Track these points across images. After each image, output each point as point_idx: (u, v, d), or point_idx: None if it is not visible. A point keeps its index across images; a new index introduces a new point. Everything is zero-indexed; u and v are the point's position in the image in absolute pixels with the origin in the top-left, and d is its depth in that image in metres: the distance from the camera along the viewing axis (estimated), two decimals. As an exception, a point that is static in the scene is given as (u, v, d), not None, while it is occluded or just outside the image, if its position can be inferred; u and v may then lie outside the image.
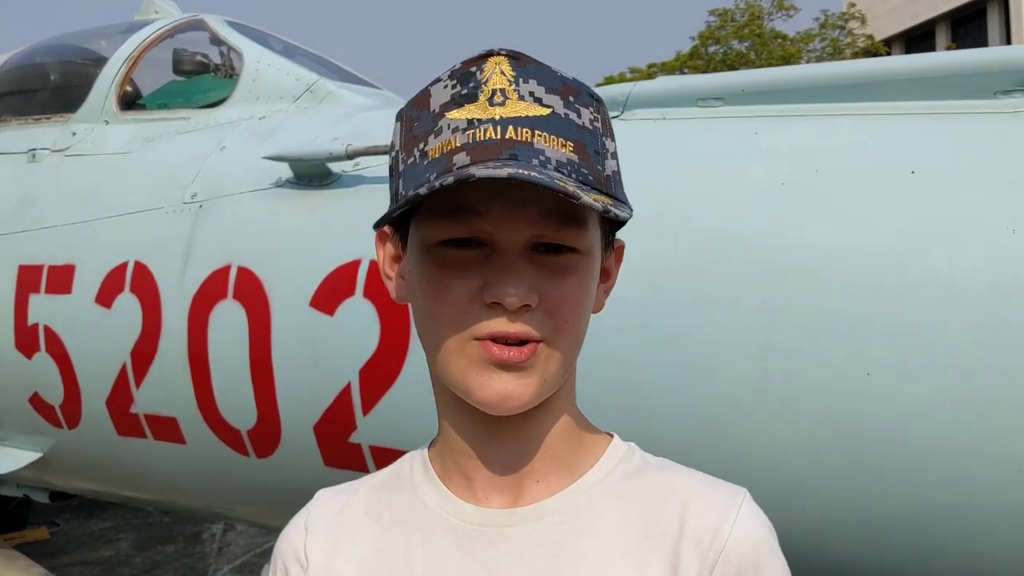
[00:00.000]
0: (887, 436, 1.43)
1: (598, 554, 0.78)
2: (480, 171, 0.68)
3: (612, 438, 0.88)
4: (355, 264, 1.96)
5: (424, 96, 0.77)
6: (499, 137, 0.72)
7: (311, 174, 2.15)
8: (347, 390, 1.95)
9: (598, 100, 0.79)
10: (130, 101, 2.88)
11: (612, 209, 0.73)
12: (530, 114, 0.73)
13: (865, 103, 1.63)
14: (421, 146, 0.75)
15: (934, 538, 1.45)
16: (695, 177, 1.69)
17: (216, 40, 2.87)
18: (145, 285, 2.30)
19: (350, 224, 2.03)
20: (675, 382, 1.57)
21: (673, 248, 1.62)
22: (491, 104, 0.73)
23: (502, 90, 0.74)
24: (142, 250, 2.35)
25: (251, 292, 2.10)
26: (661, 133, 1.79)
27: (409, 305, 0.83)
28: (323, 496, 0.92)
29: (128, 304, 2.32)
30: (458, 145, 0.72)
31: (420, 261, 0.78)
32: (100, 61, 2.95)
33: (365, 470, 2.01)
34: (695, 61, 22.94)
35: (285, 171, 2.19)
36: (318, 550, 0.86)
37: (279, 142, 2.29)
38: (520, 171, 0.68)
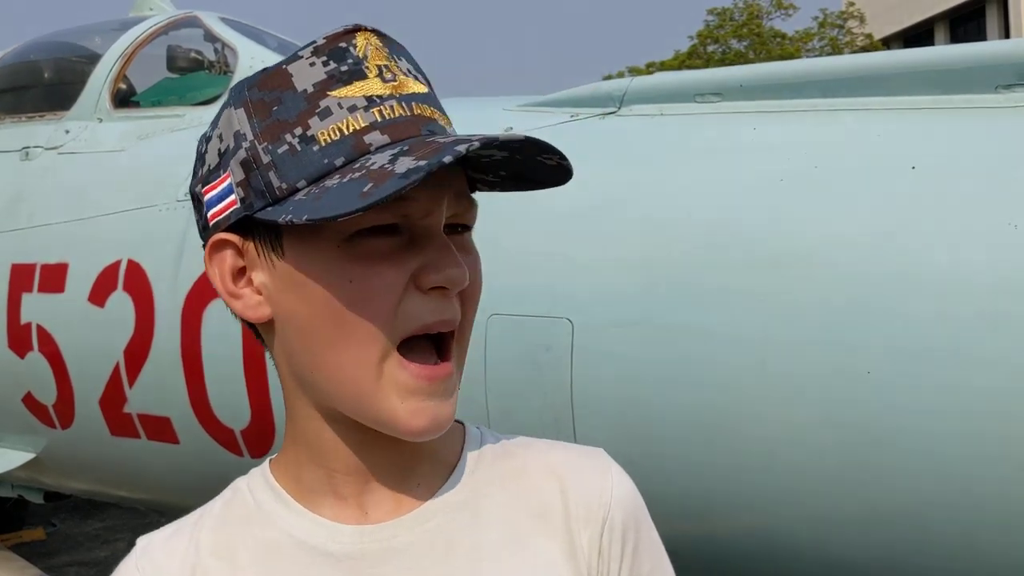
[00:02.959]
0: (886, 431, 1.42)
1: (492, 543, 0.74)
2: (462, 147, 0.63)
3: (463, 424, 0.82)
4: (349, 262, 1.94)
5: (279, 75, 0.69)
6: (409, 114, 0.68)
7: (305, 171, 2.13)
8: (342, 389, 1.93)
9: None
10: (124, 98, 2.86)
11: (566, 165, 0.73)
12: (418, 91, 0.70)
13: (864, 98, 1.61)
14: (298, 131, 0.67)
15: (936, 534, 1.43)
16: (693, 172, 1.68)
17: (210, 37, 2.86)
18: (138, 283, 2.29)
19: (345, 221, 2.01)
20: (673, 376, 1.56)
21: (671, 243, 1.61)
22: (384, 81, 0.68)
23: (387, 66, 0.69)
24: (135, 248, 2.33)
25: (245, 290, 2.08)
26: (659, 128, 1.78)
27: (283, 327, 0.72)
28: (153, 544, 0.78)
29: (121, 303, 2.31)
30: (365, 124, 0.67)
31: (332, 259, 0.68)
32: (94, 58, 2.93)
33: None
34: (694, 60, 22.96)
35: (279, 168, 2.17)
36: None
37: (273, 139, 2.27)
38: (474, 142, 0.64)
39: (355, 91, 0.67)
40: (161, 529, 0.79)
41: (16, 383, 2.58)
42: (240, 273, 0.73)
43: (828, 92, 1.65)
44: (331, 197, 0.65)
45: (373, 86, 0.68)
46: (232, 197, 0.70)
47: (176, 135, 2.58)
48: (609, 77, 20.80)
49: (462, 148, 0.63)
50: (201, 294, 2.16)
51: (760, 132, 1.66)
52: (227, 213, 0.71)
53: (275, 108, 0.68)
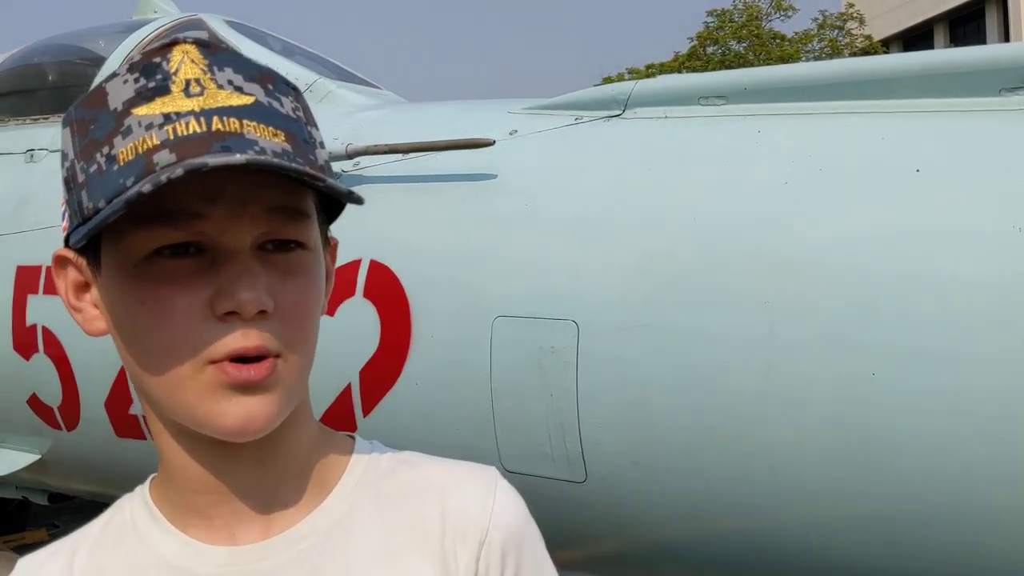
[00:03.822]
0: (891, 434, 1.42)
1: (363, 565, 0.72)
2: (214, 159, 0.60)
3: (354, 440, 0.81)
4: (355, 264, 1.95)
5: (98, 94, 0.67)
6: (205, 130, 0.64)
7: (310, 174, 2.13)
8: (347, 391, 1.94)
9: (295, 89, 0.73)
10: (128, 101, 2.86)
11: (353, 192, 0.67)
12: (233, 103, 0.66)
13: (869, 101, 1.62)
14: (106, 150, 0.65)
15: (940, 536, 1.44)
16: (698, 176, 1.68)
17: (214, 40, 2.86)
18: (144, 285, 2.29)
19: (350, 224, 2.01)
20: (678, 379, 1.57)
21: (676, 246, 1.61)
22: (188, 95, 0.65)
23: (197, 79, 0.66)
24: (141, 250, 2.34)
25: (250, 292, 2.09)
26: (663, 132, 1.78)
27: (117, 337, 0.72)
28: (30, 566, 0.77)
29: (127, 305, 2.31)
30: (157, 143, 0.63)
31: (128, 280, 0.67)
32: (98, 61, 2.94)
33: (365, 471, 2.00)
34: (693, 62, 22.95)
35: (284, 171, 2.18)
36: None
37: (278, 142, 2.27)
38: (255, 158, 0.62)
39: (155, 108, 0.65)
40: (42, 549, 0.79)
41: (21, 385, 2.59)
42: (84, 288, 0.73)
43: (833, 95, 1.66)
44: (98, 217, 0.64)
45: (174, 102, 0.65)
46: (66, 216, 0.70)
47: (181, 138, 2.58)
48: (609, 79, 20.83)
49: (163, 177, 0.60)
50: (207, 296, 2.16)
51: (765, 135, 1.66)
52: (66, 231, 0.71)
53: (91, 127, 0.67)
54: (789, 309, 1.49)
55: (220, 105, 0.65)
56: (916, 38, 28.01)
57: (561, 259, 1.72)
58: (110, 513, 0.78)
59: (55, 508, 5.41)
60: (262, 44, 2.76)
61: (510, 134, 1.92)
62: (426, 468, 0.79)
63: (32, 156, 2.85)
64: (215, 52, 0.69)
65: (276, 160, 0.63)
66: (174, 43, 0.68)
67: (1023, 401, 1.34)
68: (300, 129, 0.70)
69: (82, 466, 2.69)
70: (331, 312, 1.96)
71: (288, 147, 0.67)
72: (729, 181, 1.63)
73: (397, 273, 1.90)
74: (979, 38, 25.08)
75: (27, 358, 2.54)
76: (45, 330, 2.49)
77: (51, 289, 2.50)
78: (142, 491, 0.77)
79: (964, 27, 26.90)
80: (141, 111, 0.65)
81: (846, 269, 1.46)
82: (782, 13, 23.94)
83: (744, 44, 23.41)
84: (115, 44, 2.91)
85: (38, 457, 2.69)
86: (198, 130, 0.64)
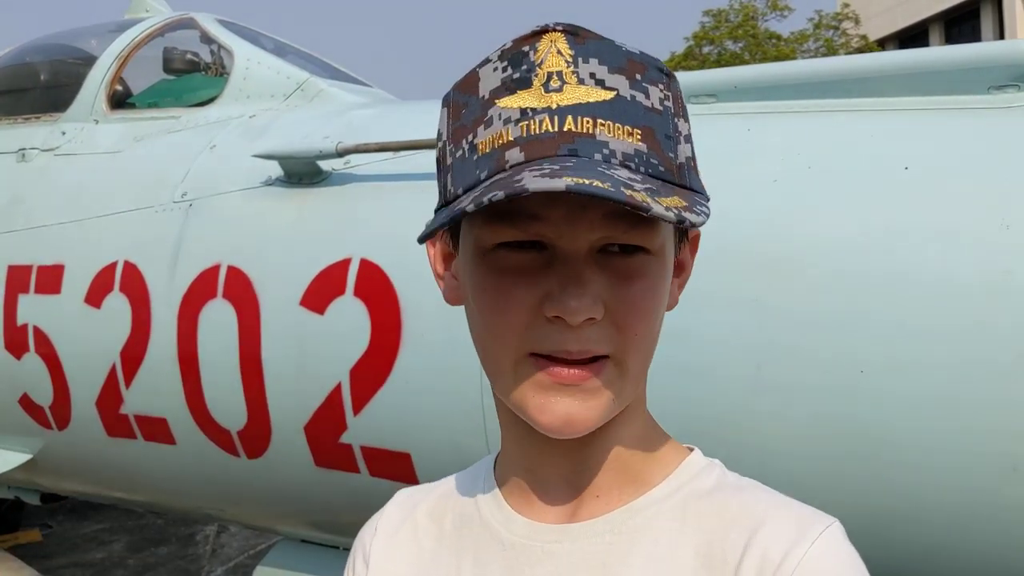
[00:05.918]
0: (881, 433, 1.42)
1: (646, 574, 0.70)
2: (534, 183, 0.59)
3: (691, 452, 0.79)
4: (345, 263, 1.95)
5: (471, 79, 0.70)
6: (556, 129, 0.64)
7: (301, 172, 2.13)
8: (338, 390, 1.94)
9: (669, 75, 0.71)
10: (120, 100, 2.86)
11: (687, 217, 0.63)
12: (591, 100, 0.65)
13: (858, 99, 1.62)
14: (470, 137, 0.68)
15: (929, 535, 1.44)
16: (687, 174, 1.68)
17: (206, 38, 2.86)
18: (135, 285, 2.29)
19: (341, 223, 2.02)
20: (668, 380, 1.56)
21: (665, 245, 1.61)
22: (547, 90, 0.65)
23: (559, 72, 0.66)
24: (132, 250, 2.33)
25: (241, 291, 2.09)
26: (653, 130, 1.78)
27: (464, 309, 0.76)
28: (399, 497, 0.88)
29: (117, 304, 2.31)
30: (511, 139, 0.65)
31: (475, 265, 0.70)
32: (90, 60, 2.93)
33: (356, 471, 1.99)
34: (689, 62, 22.95)
35: (275, 169, 2.18)
36: (381, 551, 0.84)
37: (269, 140, 2.28)
38: (580, 180, 0.59)
39: (515, 101, 0.66)
40: (422, 486, 0.89)
41: (12, 385, 2.58)
42: (448, 258, 0.79)
43: (822, 93, 1.66)
44: (444, 212, 0.68)
45: (532, 97, 0.66)
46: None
47: (172, 137, 2.58)
48: (605, 78, 20.76)
49: (528, 184, 0.60)
50: (197, 295, 2.16)
51: (754, 133, 1.66)
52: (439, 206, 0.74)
53: (463, 111, 0.70)
54: (778, 307, 1.49)
55: (577, 102, 0.65)
56: (912, 38, 28.04)
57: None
58: (475, 466, 0.86)
59: (48, 508, 5.42)
60: (254, 43, 2.76)
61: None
62: (751, 496, 0.74)
63: (23, 155, 2.84)
64: (584, 41, 0.68)
65: (597, 187, 0.59)
66: (544, 31, 0.68)
67: (1011, 397, 1.34)
68: (664, 123, 0.68)
69: (74, 466, 2.68)
70: (321, 311, 1.96)
71: (643, 146, 0.66)
72: (718, 179, 1.63)
73: (388, 272, 1.89)
74: (974, 38, 25.11)
75: (18, 358, 2.53)
76: (36, 330, 2.48)
77: (42, 289, 2.49)
78: (496, 452, 0.84)
79: (959, 27, 26.94)
80: (504, 103, 0.66)
81: (835, 266, 1.46)
82: (778, 13, 23.94)
83: (740, 44, 23.41)
84: (107, 43, 2.91)
85: (30, 457, 2.68)
86: (550, 129, 0.65)
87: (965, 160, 1.48)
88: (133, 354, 2.27)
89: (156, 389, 2.25)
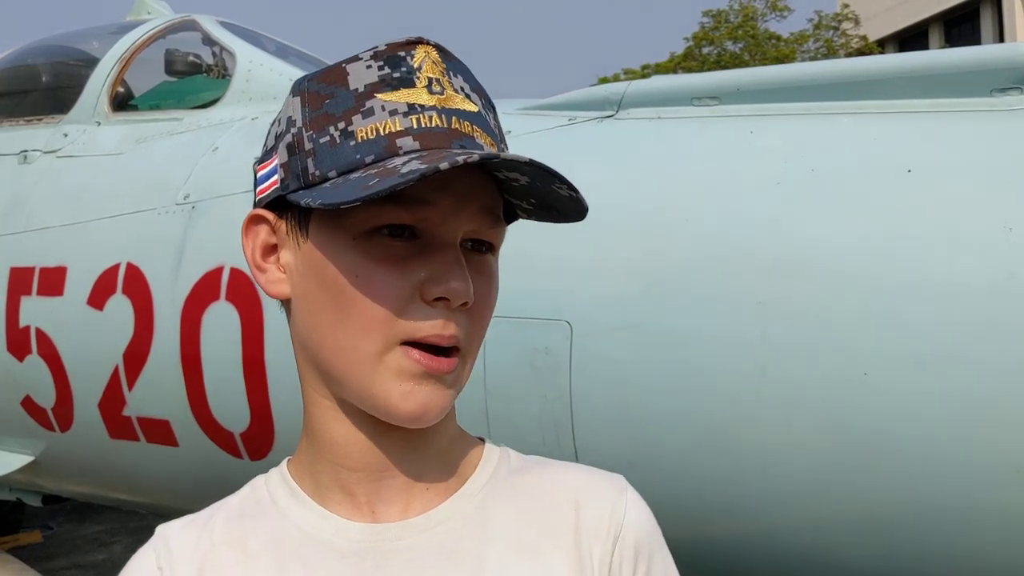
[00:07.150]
0: (885, 435, 1.42)
1: (498, 555, 0.75)
2: (465, 157, 0.64)
3: (484, 441, 0.84)
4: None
5: (337, 72, 0.73)
6: (446, 126, 0.70)
7: (304, 174, 2.13)
8: (341, 392, 1.93)
9: (494, 108, 0.79)
10: (122, 102, 2.86)
11: (576, 196, 0.73)
12: (465, 108, 0.72)
13: (861, 101, 1.62)
14: (341, 125, 0.70)
15: (933, 538, 1.44)
16: (690, 176, 1.69)
17: (208, 40, 2.86)
18: (137, 287, 2.29)
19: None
20: (671, 381, 1.57)
21: (669, 247, 1.61)
22: (430, 92, 0.71)
23: (437, 80, 0.71)
24: (134, 252, 2.34)
25: (244, 293, 2.09)
26: (656, 132, 1.78)
27: (292, 304, 0.76)
28: (169, 531, 0.80)
29: (120, 306, 2.31)
30: (400, 128, 0.69)
31: (343, 252, 0.71)
32: (92, 62, 2.94)
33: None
34: (689, 62, 22.96)
35: (278, 171, 2.18)
36: None
37: (272, 142, 2.27)
38: (481, 154, 0.66)
39: (400, 97, 0.70)
40: (179, 519, 0.82)
41: (15, 386, 2.58)
42: (271, 250, 0.77)
43: (825, 95, 1.66)
44: (345, 187, 0.68)
45: (419, 95, 0.70)
46: (275, 177, 0.74)
47: (174, 138, 2.58)
48: (605, 79, 20.83)
49: (460, 158, 0.64)
50: (200, 297, 2.16)
51: (757, 135, 1.66)
52: (269, 192, 0.75)
53: (327, 101, 0.72)
54: (782, 309, 1.49)
55: (457, 107, 0.71)
56: (911, 38, 28.06)
57: (555, 259, 1.72)
58: (246, 490, 0.81)
59: (49, 510, 5.41)
60: (256, 45, 2.76)
61: (504, 134, 1.92)
62: (557, 468, 0.82)
63: (25, 157, 2.85)
64: (449, 59, 0.74)
65: (517, 155, 0.67)
66: (418, 41, 0.73)
67: (1015, 402, 1.34)
68: (500, 143, 0.77)
69: (76, 467, 2.68)
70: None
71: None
72: (721, 181, 1.63)
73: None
74: (974, 38, 25.13)
75: (20, 360, 2.53)
76: (39, 331, 2.48)
77: (44, 291, 2.49)
78: (279, 470, 0.81)
79: (959, 27, 26.95)
80: (387, 97, 0.70)
81: (838, 269, 1.46)
82: (777, 14, 23.96)
83: (740, 45, 23.43)
84: (109, 45, 2.91)
85: (32, 459, 2.68)
86: (440, 125, 0.70)
87: (968, 163, 1.48)
88: (136, 356, 2.27)
89: (159, 391, 2.25)
